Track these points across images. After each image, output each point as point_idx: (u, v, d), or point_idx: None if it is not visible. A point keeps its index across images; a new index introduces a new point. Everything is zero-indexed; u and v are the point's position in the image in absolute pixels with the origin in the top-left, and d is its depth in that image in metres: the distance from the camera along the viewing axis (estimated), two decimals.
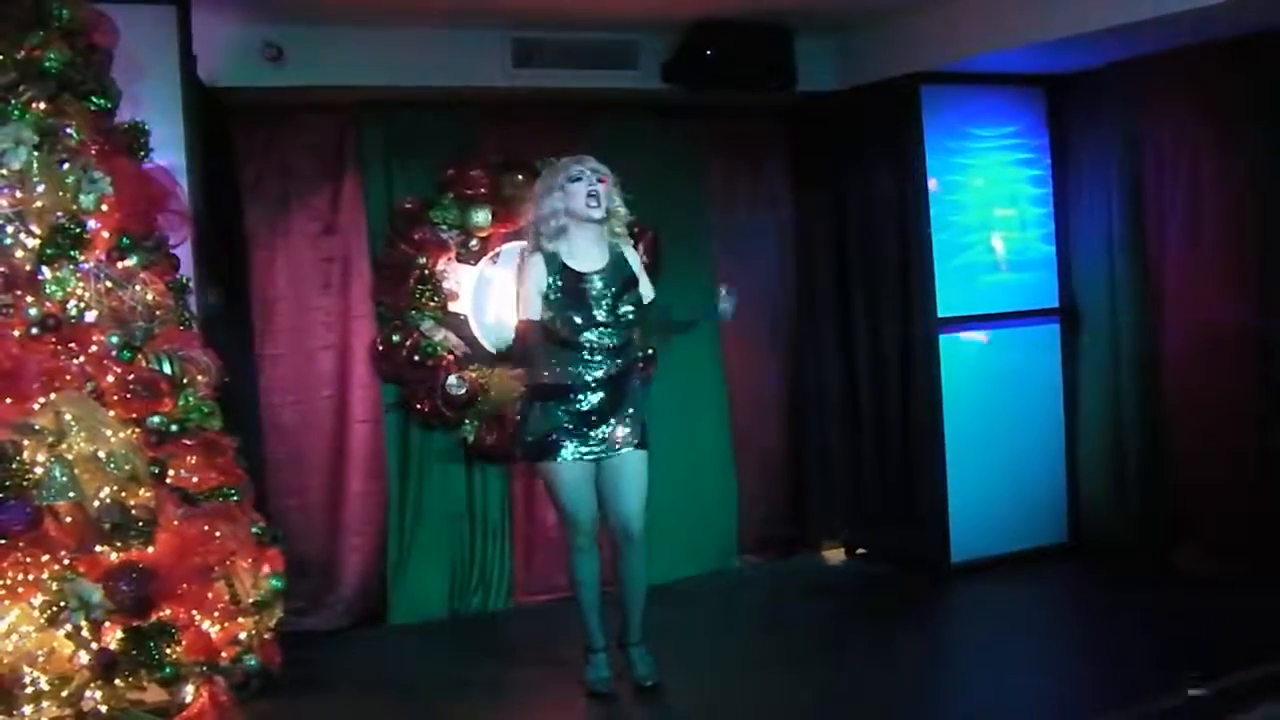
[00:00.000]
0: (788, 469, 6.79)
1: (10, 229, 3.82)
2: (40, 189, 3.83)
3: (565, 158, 4.54)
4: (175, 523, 3.83)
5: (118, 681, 3.60)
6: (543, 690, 4.84)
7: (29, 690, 3.47)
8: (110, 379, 3.87)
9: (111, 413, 3.80)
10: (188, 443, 4.08)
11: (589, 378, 4.41)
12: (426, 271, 5.79)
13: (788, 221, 6.79)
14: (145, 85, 4.44)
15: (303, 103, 5.64)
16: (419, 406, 5.82)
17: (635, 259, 4.59)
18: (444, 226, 5.82)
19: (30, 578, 3.51)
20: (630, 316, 4.46)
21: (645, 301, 4.55)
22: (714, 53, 5.72)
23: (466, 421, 5.85)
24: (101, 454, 3.67)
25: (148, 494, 3.76)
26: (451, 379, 5.78)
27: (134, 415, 3.89)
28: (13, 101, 3.85)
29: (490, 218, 5.85)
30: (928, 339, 6.07)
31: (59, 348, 3.82)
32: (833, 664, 4.84)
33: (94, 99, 4.06)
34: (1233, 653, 4.48)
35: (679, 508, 5.96)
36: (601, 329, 4.41)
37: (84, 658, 3.54)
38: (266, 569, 4.19)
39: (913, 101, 5.98)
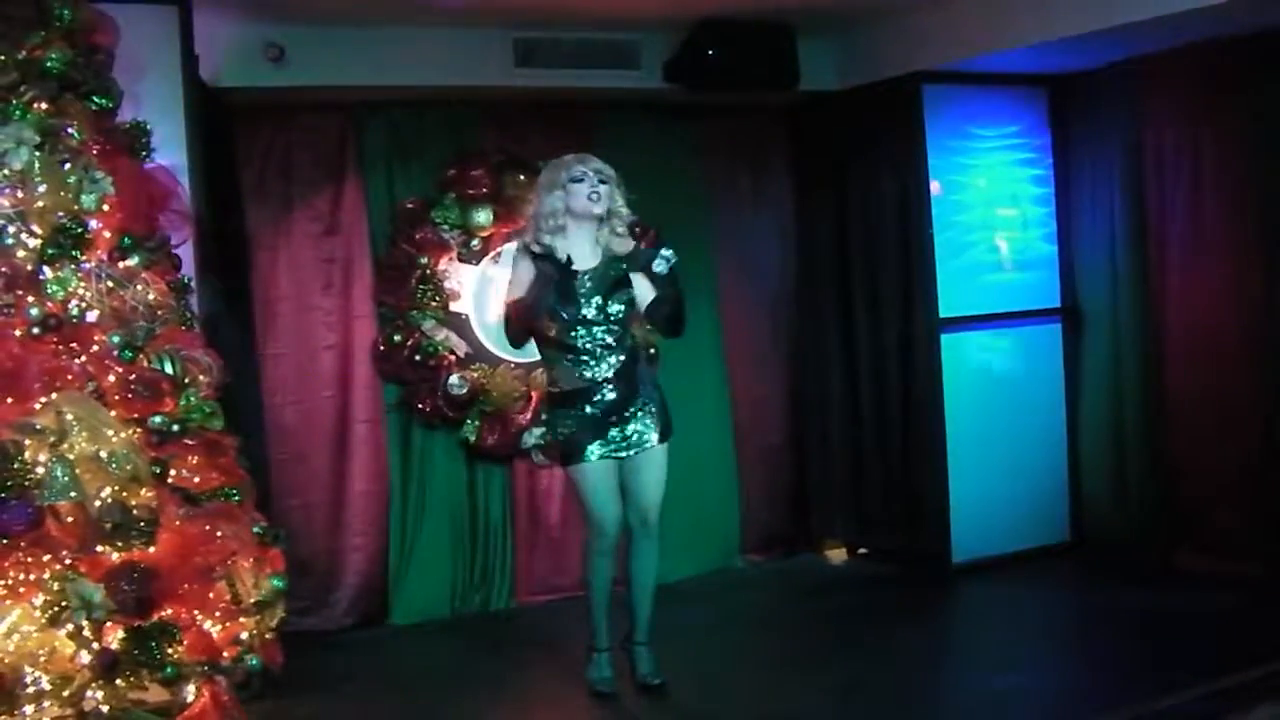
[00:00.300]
0: (790, 468, 6.79)
1: (12, 229, 3.81)
2: (42, 189, 3.82)
3: (569, 155, 4.53)
4: (177, 523, 3.82)
5: (119, 681, 3.59)
6: (545, 690, 4.85)
7: (30, 690, 3.46)
8: (112, 379, 3.86)
9: (113, 413, 3.79)
10: (189, 443, 4.07)
11: (599, 377, 4.41)
12: (428, 271, 5.79)
13: (789, 221, 6.79)
14: (147, 85, 4.44)
15: (304, 102, 5.64)
16: (420, 406, 5.82)
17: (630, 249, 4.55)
18: (445, 226, 5.82)
19: (31, 577, 3.51)
20: (622, 314, 4.46)
21: (639, 299, 4.50)
22: (716, 52, 5.71)
23: (468, 421, 5.86)
24: (103, 454, 3.67)
25: (149, 494, 3.75)
26: (453, 379, 5.78)
27: (135, 415, 3.88)
28: (14, 101, 3.84)
29: (492, 217, 5.86)
30: (929, 338, 6.07)
31: (60, 347, 3.81)
32: (834, 663, 4.84)
33: (95, 99, 4.05)
34: (1233, 652, 4.48)
35: (681, 507, 5.93)
36: (593, 326, 4.40)
37: (85, 658, 3.54)
38: (268, 569, 4.19)
39: (915, 101, 5.98)
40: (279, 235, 5.74)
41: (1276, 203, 5.39)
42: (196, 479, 4.07)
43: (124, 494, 3.69)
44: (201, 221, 4.72)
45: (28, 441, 3.59)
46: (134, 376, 3.89)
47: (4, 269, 3.78)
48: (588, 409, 4.41)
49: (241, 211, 5.63)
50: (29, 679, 3.47)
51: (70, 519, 3.61)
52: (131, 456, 3.72)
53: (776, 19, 5.80)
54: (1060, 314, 6.33)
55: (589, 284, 4.41)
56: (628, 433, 4.45)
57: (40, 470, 3.58)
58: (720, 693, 4.62)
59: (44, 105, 3.89)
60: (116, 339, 3.90)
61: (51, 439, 3.62)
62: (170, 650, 3.66)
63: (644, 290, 4.46)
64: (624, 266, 4.45)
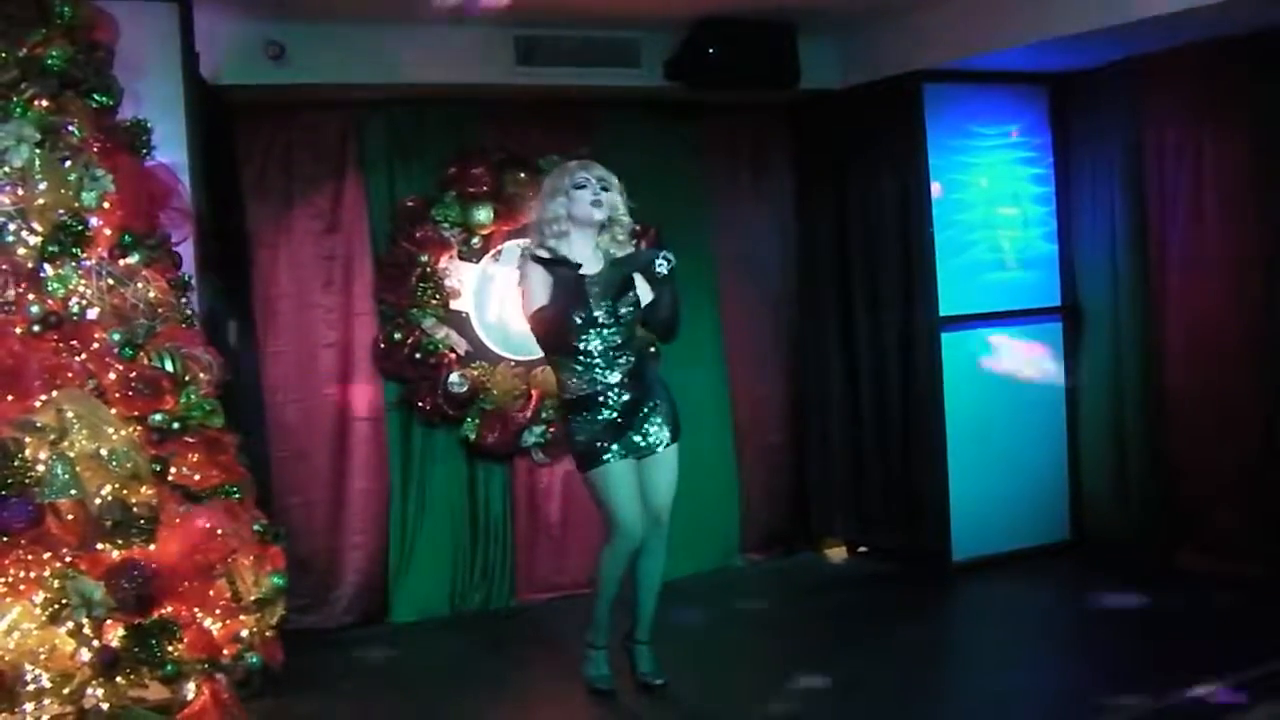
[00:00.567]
0: (790, 467, 6.79)
1: (12, 226, 3.81)
2: (42, 186, 3.82)
3: (573, 161, 4.54)
4: (177, 520, 3.82)
5: (119, 679, 3.59)
6: (544, 687, 4.85)
7: (31, 688, 3.46)
8: (112, 376, 3.86)
9: (113, 410, 3.79)
10: (189, 440, 4.07)
11: (611, 380, 4.42)
12: (428, 269, 5.79)
13: (790, 219, 6.79)
14: (147, 83, 4.43)
15: (305, 100, 5.64)
16: (421, 404, 5.82)
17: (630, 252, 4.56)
18: (446, 224, 5.82)
19: (32, 575, 3.51)
20: (630, 316, 4.46)
21: (643, 300, 4.52)
22: (716, 51, 5.71)
23: (468, 419, 5.86)
24: (103, 451, 3.67)
25: (149, 492, 3.75)
26: (453, 377, 5.78)
27: (136, 413, 3.88)
28: (15, 99, 3.84)
29: (492, 215, 5.86)
30: (930, 337, 6.07)
31: (61, 345, 3.81)
32: (834, 662, 4.83)
33: (96, 96, 4.05)
34: (1233, 652, 4.48)
35: (681, 505, 5.90)
36: (604, 329, 4.41)
37: (85, 655, 3.54)
38: (268, 566, 4.19)
39: (915, 100, 5.98)
40: (279, 233, 5.74)
41: (1277, 203, 5.39)
42: (197, 476, 4.07)
43: (124, 492, 3.69)
44: (202, 219, 4.72)
45: (28, 439, 3.59)
46: (134, 374, 3.89)
47: (4, 266, 3.78)
48: (604, 412, 4.41)
49: (242, 209, 5.63)
50: (29, 676, 3.47)
51: (70, 516, 3.61)
52: (132, 454, 3.72)
53: (777, 17, 5.80)
54: (1060, 313, 6.33)
55: (597, 288, 4.42)
56: (645, 433, 4.46)
57: (40, 468, 3.58)
58: (720, 692, 4.62)
59: (44, 103, 3.90)
60: (117, 336, 3.90)
61: (52, 436, 3.62)
62: (170, 648, 3.66)
63: (644, 292, 4.48)
64: (626, 268, 4.46)
